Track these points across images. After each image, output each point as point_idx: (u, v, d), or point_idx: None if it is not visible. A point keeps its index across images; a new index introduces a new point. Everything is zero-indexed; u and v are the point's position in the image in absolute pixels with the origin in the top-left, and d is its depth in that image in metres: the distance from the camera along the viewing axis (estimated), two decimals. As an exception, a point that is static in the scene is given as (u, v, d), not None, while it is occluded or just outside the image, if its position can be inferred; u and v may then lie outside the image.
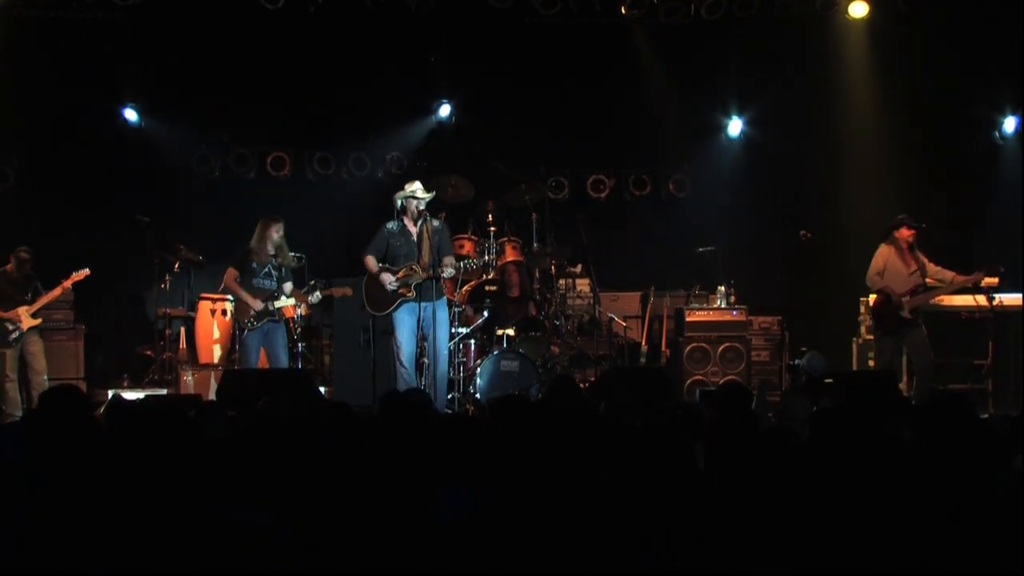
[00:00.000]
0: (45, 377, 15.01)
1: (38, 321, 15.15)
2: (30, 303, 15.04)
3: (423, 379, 13.89)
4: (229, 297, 15.13)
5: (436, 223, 13.93)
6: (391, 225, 13.99)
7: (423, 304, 13.67)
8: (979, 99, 17.34)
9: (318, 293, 14.62)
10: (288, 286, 14.39)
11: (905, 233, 14.87)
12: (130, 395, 14.32)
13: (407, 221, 13.90)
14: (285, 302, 14.32)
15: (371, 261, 13.93)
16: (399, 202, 13.95)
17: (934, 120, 17.28)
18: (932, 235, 16.44)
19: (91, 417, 7.67)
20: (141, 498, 4.53)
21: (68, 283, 15.23)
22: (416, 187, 13.91)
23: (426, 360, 13.93)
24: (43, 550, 4.21)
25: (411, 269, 13.68)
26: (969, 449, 5.76)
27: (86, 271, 15.22)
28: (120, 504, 4.41)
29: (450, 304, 14.48)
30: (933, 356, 14.69)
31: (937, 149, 17.32)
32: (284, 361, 14.28)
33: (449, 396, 14.32)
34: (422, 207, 13.86)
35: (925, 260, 14.91)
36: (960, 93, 17.07)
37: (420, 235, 13.76)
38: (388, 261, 13.88)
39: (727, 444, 5.90)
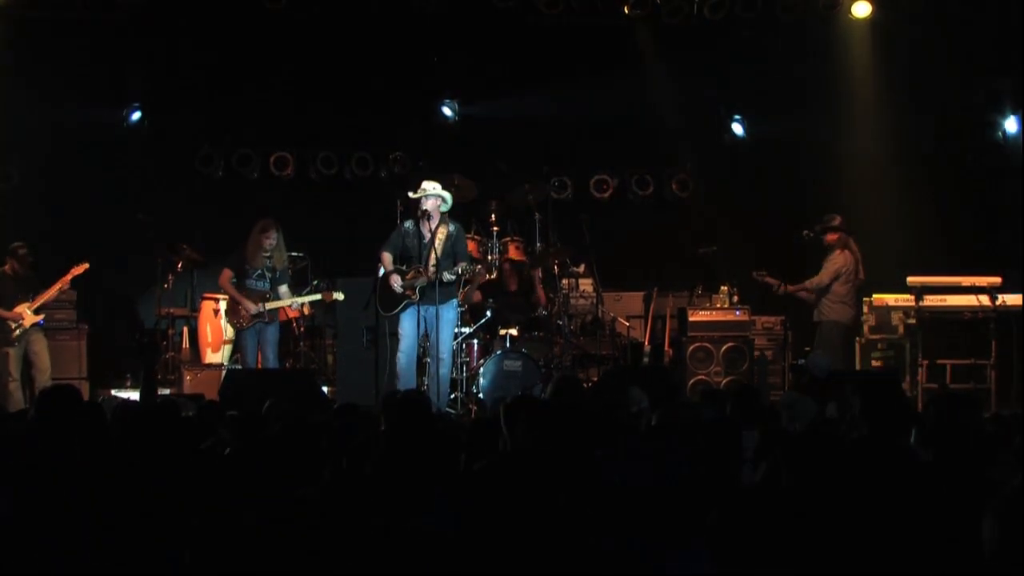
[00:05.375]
0: (49, 376, 14.96)
1: (40, 317, 15.09)
2: (31, 300, 14.98)
3: (424, 379, 13.99)
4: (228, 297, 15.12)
5: (451, 228, 13.98)
6: (407, 224, 14.16)
7: (426, 307, 13.85)
8: (981, 99, 17.26)
9: (319, 295, 14.77)
10: (283, 288, 14.51)
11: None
12: (132, 395, 14.38)
13: (423, 222, 13.93)
14: (278, 303, 14.42)
15: (386, 258, 14.10)
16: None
17: (936, 120, 17.23)
18: (934, 234, 16.48)
19: (84, 418, 7.65)
20: (138, 498, 4.49)
21: (68, 277, 15.17)
22: (425, 186, 13.94)
23: (428, 360, 14.01)
24: (36, 547, 4.16)
25: (418, 272, 13.77)
26: (975, 453, 5.72)
27: (85, 265, 15.16)
28: (116, 503, 4.37)
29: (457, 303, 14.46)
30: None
31: (939, 149, 17.26)
32: (273, 361, 14.59)
33: (452, 396, 14.34)
34: (443, 207, 13.91)
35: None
36: (962, 93, 17.00)
37: (432, 238, 13.82)
38: (401, 260, 13.97)
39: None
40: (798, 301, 15.95)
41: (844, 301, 15.54)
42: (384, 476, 5.04)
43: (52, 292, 15.15)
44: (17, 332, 14.93)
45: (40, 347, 15.14)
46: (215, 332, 16.14)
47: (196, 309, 16.51)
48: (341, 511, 4.13)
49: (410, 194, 14.14)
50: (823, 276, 15.57)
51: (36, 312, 15.04)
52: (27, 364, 15.16)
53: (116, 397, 14.29)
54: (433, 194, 13.96)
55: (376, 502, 4.90)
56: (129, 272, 17.28)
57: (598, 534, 4.16)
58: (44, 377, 14.95)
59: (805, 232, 15.45)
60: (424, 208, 13.92)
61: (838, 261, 15.53)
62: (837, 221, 15.64)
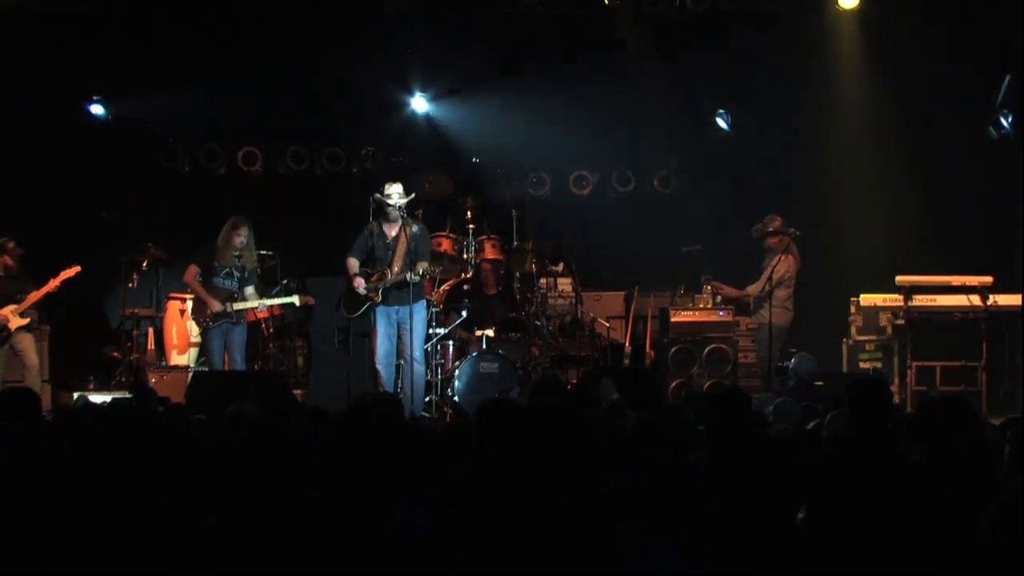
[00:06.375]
0: (37, 373, 14.90)
1: (26, 321, 14.96)
2: (19, 303, 14.87)
3: (399, 381, 14.05)
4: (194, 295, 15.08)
5: (416, 228, 14.02)
6: (371, 225, 14.38)
7: (396, 308, 13.99)
8: (974, 92, 17.21)
9: (289, 298, 14.78)
10: (249, 290, 14.49)
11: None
12: (96, 398, 14.31)
13: (385, 223, 14.03)
14: (245, 305, 14.39)
15: (351, 263, 14.32)
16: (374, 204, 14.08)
17: (927, 114, 17.16)
18: (924, 233, 16.46)
19: (40, 421, 7.62)
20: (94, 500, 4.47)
21: (57, 281, 15.07)
22: (392, 190, 14.01)
23: (402, 362, 14.04)
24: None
25: (382, 274, 13.89)
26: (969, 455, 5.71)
27: (76, 268, 15.10)
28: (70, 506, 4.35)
29: (428, 303, 14.55)
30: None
31: (930, 144, 17.20)
32: (240, 363, 14.59)
33: (427, 399, 14.36)
34: (396, 214, 13.95)
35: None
36: (954, 86, 16.94)
37: (397, 239, 13.88)
38: (368, 263, 14.03)
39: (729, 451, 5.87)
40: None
41: (785, 305, 15.53)
42: (351, 481, 5.02)
43: (40, 295, 15.04)
44: (3, 334, 14.84)
45: (25, 344, 15.00)
46: (181, 333, 16.11)
47: (162, 309, 16.48)
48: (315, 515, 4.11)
49: (376, 195, 14.17)
50: (762, 283, 15.52)
51: (22, 315, 14.92)
52: (11, 364, 15.09)
53: (85, 398, 14.28)
54: (399, 202, 14.01)
55: (345, 507, 4.88)
56: (92, 271, 17.12)
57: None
58: (32, 376, 14.85)
59: (792, 231, 15.44)
60: (387, 210, 13.99)
61: (781, 266, 15.47)
62: (777, 223, 15.61)
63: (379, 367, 14.12)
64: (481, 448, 6.32)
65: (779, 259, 15.52)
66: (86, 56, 16.92)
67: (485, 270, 15.83)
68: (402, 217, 14.07)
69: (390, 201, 14.03)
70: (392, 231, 14.13)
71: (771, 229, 15.58)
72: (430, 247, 14.53)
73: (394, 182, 14.27)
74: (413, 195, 14.26)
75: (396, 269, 13.91)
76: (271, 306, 15.18)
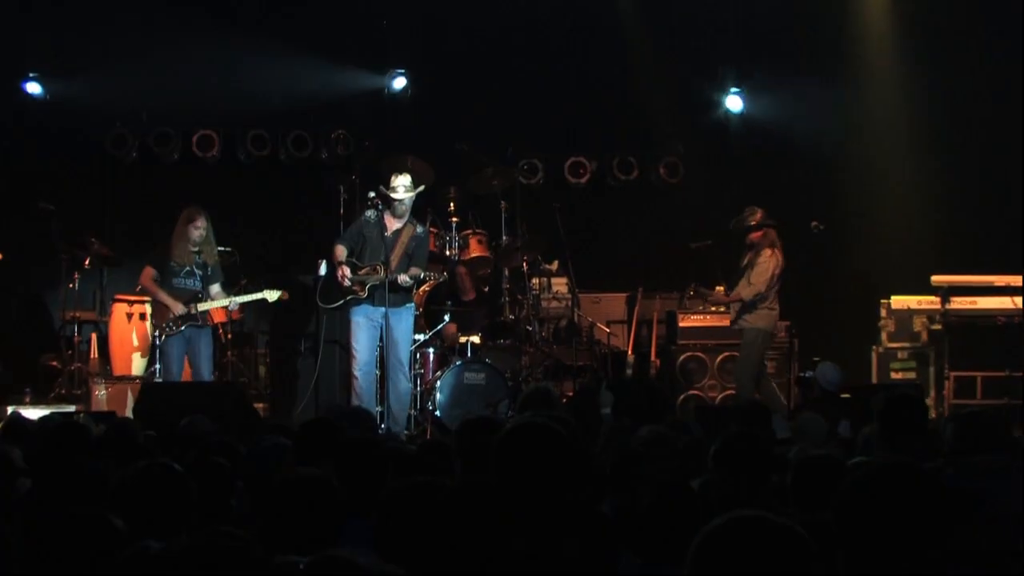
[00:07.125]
0: None
1: None
2: None
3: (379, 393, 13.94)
4: (148, 299, 14.93)
5: (420, 230, 14.07)
6: (370, 214, 14.20)
7: (382, 309, 13.89)
8: (1011, 73, 17.09)
9: (261, 294, 14.63)
10: (215, 288, 14.35)
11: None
12: (32, 412, 14.17)
13: (387, 215, 13.86)
14: (210, 305, 14.25)
15: (339, 250, 14.11)
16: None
17: (962, 95, 17.06)
18: (963, 227, 16.34)
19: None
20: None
21: None
22: (398, 182, 13.90)
23: (377, 372, 13.91)
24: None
25: (374, 269, 13.76)
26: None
27: None
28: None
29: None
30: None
31: (968, 128, 17.06)
32: (207, 372, 14.36)
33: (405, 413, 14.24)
34: (403, 209, 13.76)
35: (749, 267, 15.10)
36: (995, 65, 16.83)
37: (398, 235, 13.75)
38: (358, 254, 13.92)
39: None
40: (805, 302, 15.81)
41: (772, 306, 15.12)
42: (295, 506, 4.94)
43: None
44: None
45: None
46: (129, 339, 15.95)
47: (106, 313, 16.32)
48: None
49: (380, 188, 14.04)
50: (758, 284, 15.11)
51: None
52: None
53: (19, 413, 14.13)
54: (405, 196, 13.87)
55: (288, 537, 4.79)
56: (29, 270, 17.05)
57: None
58: None
59: (814, 223, 15.24)
60: (393, 204, 13.84)
61: (771, 264, 15.04)
62: (759, 216, 15.23)
63: (356, 374, 13.90)
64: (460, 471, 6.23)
65: (766, 254, 15.12)
66: (22, 27, 16.77)
67: (460, 274, 15.70)
68: (408, 213, 13.95)
69: (396, 195, 13.89)
70: (394, 225, 13.99)
71: (753, 223, 15.24)
72: (427, 253, 14.37)
73: (400, 172, 14.15)
74: (423, 187, 14.15)
75: (392, 267, 13.73)
76: (239, 306, 15.03)
